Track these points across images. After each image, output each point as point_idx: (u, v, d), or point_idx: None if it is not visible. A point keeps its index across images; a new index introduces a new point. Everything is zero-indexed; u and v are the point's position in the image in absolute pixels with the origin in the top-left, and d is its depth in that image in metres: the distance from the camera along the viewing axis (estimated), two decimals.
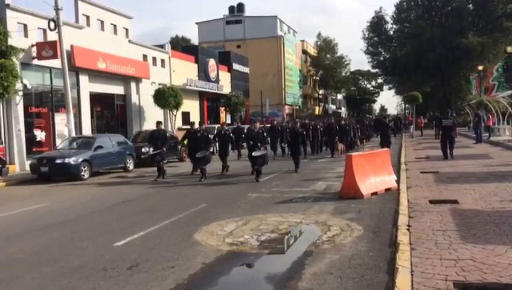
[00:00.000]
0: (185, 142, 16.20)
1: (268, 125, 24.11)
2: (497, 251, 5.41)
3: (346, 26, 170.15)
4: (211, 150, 15.89)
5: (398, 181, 11.13)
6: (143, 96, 28.10)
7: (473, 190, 9.61)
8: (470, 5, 52.49)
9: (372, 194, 9.96)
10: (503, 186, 9.80)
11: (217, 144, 17.99)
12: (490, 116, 28.62)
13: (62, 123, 21.07)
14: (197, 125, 15.26)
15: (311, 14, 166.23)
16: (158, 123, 15.86)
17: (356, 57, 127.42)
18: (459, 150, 20.43)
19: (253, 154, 13.33)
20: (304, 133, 16.62)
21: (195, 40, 63.24)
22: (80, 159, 15.89)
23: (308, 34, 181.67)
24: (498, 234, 6.17)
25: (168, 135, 15.23)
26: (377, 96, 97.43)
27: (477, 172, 12.44)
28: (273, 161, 18.64)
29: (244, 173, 15.31)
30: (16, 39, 18.69)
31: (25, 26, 19.68)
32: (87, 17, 23.67)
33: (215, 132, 19.56)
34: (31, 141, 19.92)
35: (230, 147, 16.91)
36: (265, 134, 13.92)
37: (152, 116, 27.80)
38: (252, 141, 13.83)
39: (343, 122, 23.80)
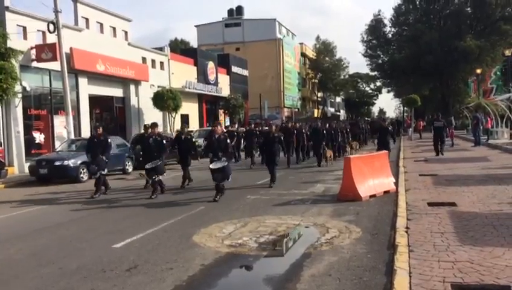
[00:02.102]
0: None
1: (242, 129, 22.57)
2: (495, 253, 5.43)
3: (344, 28, 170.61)
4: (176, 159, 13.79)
5: (396, 183, 11.15)
6: (142, 98, 28.12)
7: (471, 192, 9.64)
8: (468, 9, 52.69)
9: (371, 196, 9.98)
10: (501, 189, 9.83)
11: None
12: (488, 119, 28.70)
13: (61, 125, 21.07)
14: (162, 129, 13.14)
15: (309, 16, 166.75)
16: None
17: (354, 59, 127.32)
18: (457, 152, 20.52)
19: (210, 166, 10.49)
20: (282, 138, 13.82)
21: (194, 43, 63.38)
22: (79, 162, 15.88)
23: (307, 36, 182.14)
24: (496, 236, 6.19)
25: (109, 141, 12.66)
26: (375, 99, 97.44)
27: (475, 175, 12.46)
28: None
29: (243, 177, 15.30)
30: (15, 41, 18.71)
31: (24, 28, 19.70)
32: (87, 20, 23.70)
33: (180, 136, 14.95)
34: (30, 143, 19.91)
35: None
36: (228, 140, 10.81)
37: (151, 119, 27.70)
38: (210, 149, 10.92)
39: (328, 125, 20.73)
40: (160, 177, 11.75)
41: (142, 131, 15.37)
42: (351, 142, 22.92)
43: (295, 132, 19.01)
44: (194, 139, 14.18)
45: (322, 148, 17.89)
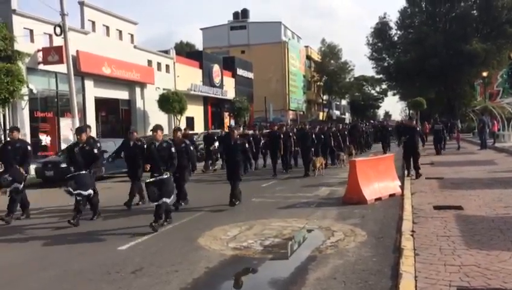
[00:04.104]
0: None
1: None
2: (502, 257, 5.39)
3: (349, 30, 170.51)
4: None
5: (402, 187, 11.10)
6: (148, 101, 28.22)
7: (477, 195, 9.58)
8: (474, 11, 52.46)
9: (376, 199, 9.94)
10: (508, 193, 9.76)
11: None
12: (495, 122, 28.54)
13: (67, 128, 21.16)
14: (91, 133, 10.69)
15: (314, 18, 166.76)
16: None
17: (359, 61, 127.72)
18: (463, 155, 20.40)
19: (146, 181, 8.24)
20: (247, 146, 10.75)
21: (199, 46, 63.49)
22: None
23: (313, 39, 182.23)
24: (502, 240, 6.15)
25: (29, 148, 9.96)
26: (381, 102, 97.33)
27: (481, 178, 12.39)
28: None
29: (246, 178, 15.26)
30: (22, 44, 18.85)
31: (31, 31, 19.85)
32: (93, 23, 23.84)
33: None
34: (36, 145, 19.99)
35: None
36: (173, 149, 8.41)
37: (156, 121, 27.79)
38: (150, 160, 8.42)
39: (317, 128, 18.55)
40: (85, 193, 8.79)
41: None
42: (350, 148, 19.67)
43: (281, 136, 16.36)
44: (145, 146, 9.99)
45: (311, 156, 15.43)
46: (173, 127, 11.92)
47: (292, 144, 16.46)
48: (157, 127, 8.54)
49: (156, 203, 7.95)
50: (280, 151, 16.22)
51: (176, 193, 9.72)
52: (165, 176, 8.11)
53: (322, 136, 17.19)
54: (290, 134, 16.93)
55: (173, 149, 8.45)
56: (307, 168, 15.52)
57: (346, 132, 20.70)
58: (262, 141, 18.47)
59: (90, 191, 8.99)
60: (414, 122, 14.98)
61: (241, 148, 10.31)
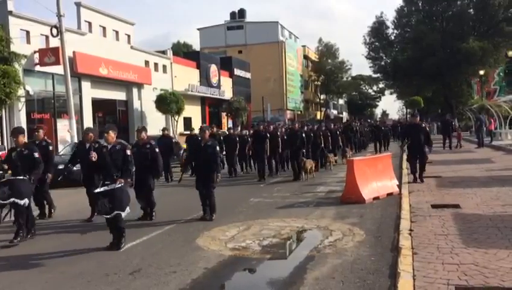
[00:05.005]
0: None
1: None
2: (500, 255, 5.40)
3: (347, 30, 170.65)
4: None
5: (400, 186, 11.12)
6: (145, 102, 28.21)
7: (474, 194, 9.60)
8: (471, 10, 52.62)
9: (374, 198, 9.95)
10: (505, 191, 9.79)
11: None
12: (492, 120, 28.61)
13: (64, 129, 21.15)
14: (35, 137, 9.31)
15: (312, 18, 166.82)
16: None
17: (357, 61, 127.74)
18: (461, 154, 20.45)
19: (95, 191, 7.06)
20: (217, 148, 8.88)
21: (196, 46, 63.45)
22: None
23: (310, 39, 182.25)
24: (500, 238, 6.16)
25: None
26: (378, 101, 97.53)
27: (479, 176, 12.42)
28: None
29: (245, 179, 15.28)
30: (18, 45, 18.82)
31: (28, 32, 19.83)
32: (90, 24, 23.83)
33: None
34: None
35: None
36: (128, 152, 7.22)
37: (154, 122, 27.91)
38: (100, 167, 7.29)
39: (306, 127, 16.83)
40: (21, 202, 7.38)
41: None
42: (345, 152, 18.69)
43: (267, 135, 15.05)
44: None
45: (300, 159, 14.05)
46: (136, 127, 10.30)
47: (279, 144, 14.95)
48: (109, 128, 7.42)
49: (106, 217, 6.84)
50: (265, 153, 14.84)
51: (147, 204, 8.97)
52: (118, 185, 6.87)
53: (312, 135, 15.80)
54: (278, 133, 15.50)
55: (128, 152, 7.23)
56: (295, 171, 14.20)
57: (337, 132, 19.45)
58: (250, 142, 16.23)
59: (26, 201, 7.48)
60: (418, 118, 13.18)
61: (210, 151, 8.66)
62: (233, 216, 8.96)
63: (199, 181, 8.89)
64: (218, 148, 8.90)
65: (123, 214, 6.88)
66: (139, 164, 8.13)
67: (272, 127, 16.52)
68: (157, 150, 9.00)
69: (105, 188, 6.87)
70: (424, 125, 12.89)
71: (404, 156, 18.11)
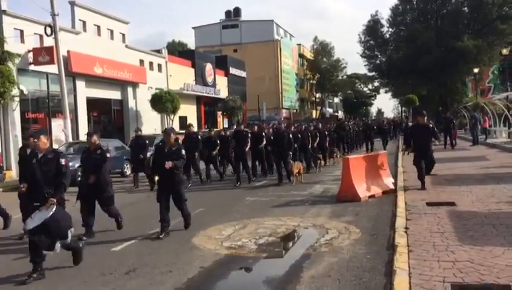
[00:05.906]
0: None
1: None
2: (495, 252, 5.42)
3: (343, 30, 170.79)
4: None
5: (395, 184, 11.14)
6: (140, 101, 28.11)
7: (470, 192, 9.63)
8: (465, 8, 52.75)
9: (370, 197, 9.98)
10: (500, 188, 9.83)
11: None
12: (486, 118, 28.72)
13: (59, 129, 21.03)
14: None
15: (307, 18, 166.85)
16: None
17: (352, 59, 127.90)
18: (456, 152, 20.51)
19: (25, 227, 5.87)
20: (183, 152, 7.76)
21: (191, 45, 63.37)
22: (77, 165, 15.79)
23: (305, 37, 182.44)
24: (495, 235, 6.19)
25: (62, 162, 6.10)
26: (373, 100, 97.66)
27: (474, 174, 12.46)
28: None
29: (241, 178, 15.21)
30: (12, 45, 18.68)
31: (22, 32, 19.69)
32: (84, 23, 23.69)
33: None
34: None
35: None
36: (62, 162, 5.86)
37: (149, 121, 27.86)
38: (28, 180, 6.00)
39: (293, 127, 16.05)
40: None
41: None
42: (333, 152, 17.88)
43: (249, 135, 14.05)
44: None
45: (287, 160, 12.98)
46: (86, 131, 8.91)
47: (263, 144, 13.99)
48: (41, 133, 6.11)
49: (52, 252, 5.67)
50: (244, 154, 13.77)
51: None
52: (50, 213, 5.51)
53: (299, 135, 15.02)
54: (264, 134, 14.48)
55: (62, 161, 5.86)
56: (280, 174, 13.11)
57: (327, 132, 18.39)
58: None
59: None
60: (425, 118, 11.53)
61: (175, 157, 7.53)
62: (229, 215, 8.95)
63: (166, 192, 7.61)
64: (184, 152, 7.80)
65: (68, 239, 5.78)
66: (89, 172, 7.61)
67: (256, 127, 15.51)
68: (108, 155, 8.08)
69: (36, 222, 5.47)
70: (431, 125, 11.51)
71: (400, 154, 18.14)
